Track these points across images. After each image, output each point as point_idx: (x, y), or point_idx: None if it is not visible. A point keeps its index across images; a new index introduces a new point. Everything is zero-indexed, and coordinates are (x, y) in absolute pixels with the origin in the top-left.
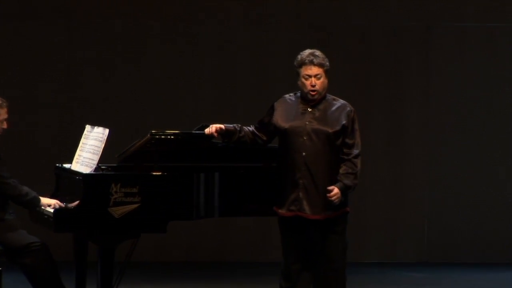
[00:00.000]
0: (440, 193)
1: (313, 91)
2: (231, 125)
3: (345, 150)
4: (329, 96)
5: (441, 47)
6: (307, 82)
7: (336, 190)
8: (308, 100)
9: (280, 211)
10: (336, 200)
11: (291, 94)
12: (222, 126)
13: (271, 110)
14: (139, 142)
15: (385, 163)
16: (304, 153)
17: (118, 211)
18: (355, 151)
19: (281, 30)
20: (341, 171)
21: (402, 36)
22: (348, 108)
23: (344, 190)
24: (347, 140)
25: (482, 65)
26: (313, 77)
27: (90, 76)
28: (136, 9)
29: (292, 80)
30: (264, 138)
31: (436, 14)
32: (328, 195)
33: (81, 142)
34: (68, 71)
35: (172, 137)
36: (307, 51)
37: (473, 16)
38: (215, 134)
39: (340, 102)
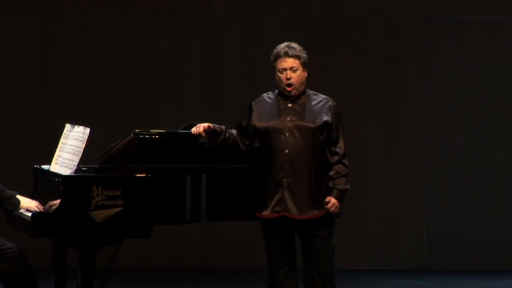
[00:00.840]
0: (439, 196)
1: (289, 85)
2: (218, 126)
3: (331, 148)
4: (310, 91)
5: (440, 41)
6: (282, 76)
7: (333, 200)
8: (286, 96)
9: (263, 213)
10: (335, 210)
11: (269, 92)
12: (210, 125)
13: (249, 111)
14: (121, 142)
15: (381, 165)
16: (287, 151)
17: (99, 215)
18: (342, 150)
19: (270, 25)
20: (332, 174)
21: (399, 30)
22: (330, 103)
23: (339, 197)
24: (332, 135)
25: (483, 61)
26: (289, 70)
27: (69, 72)
28: (116, 1)
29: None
30: (246, 142)
31: (435, 6)
32: (326, 207)
33: (60, 142)
34: (46, 67)
35: (156, 136)
36: (284, 44)
37: (474, 9)
38: (203, 134)
39: (321, 96)
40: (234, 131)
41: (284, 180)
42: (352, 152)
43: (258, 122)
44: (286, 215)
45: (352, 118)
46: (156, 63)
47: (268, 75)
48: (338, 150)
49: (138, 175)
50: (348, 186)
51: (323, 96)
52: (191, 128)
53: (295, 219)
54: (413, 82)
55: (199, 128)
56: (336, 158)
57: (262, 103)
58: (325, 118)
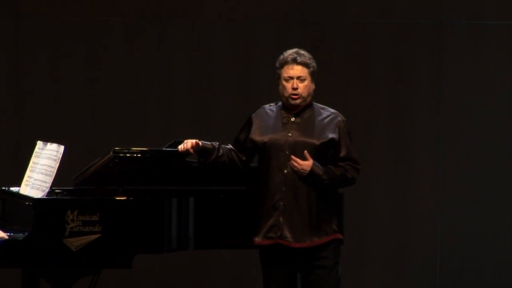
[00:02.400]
0: (454, 222)
1: (295, 94)
2: (209, 142)
3: (339, 163)
4: (316, 104)
5: (455, 48)
6: (288, 85)
7: (310, 161)
8: (290, 108)
9: (256, 239)
10: (300, 169)
11: (271, 104)
12: (199, 142)
13: (248, 123)
14: (99, 161)
15: (389, 181)
16: (285, 170)
17: (75, 243)
18: (353, 159)
19: (266, 29)
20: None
21: (410, 35)
22: (339, 118)
23: (317, 172)
24: (340, 155)
25: (501, 69)
26: (296, 79)
27: (40, 83)
28: (94, 3)
29: (277, 89)
30: (244, 158)
31: (450, 10)
32: (295, 158)
33: (31, 162)
34: (15, 77)
35: (138, 155)
36: (292, 50)
37: (491, 13)
38: (191, 151)
39: (329, 110)
40: (229, 147)
41: (281, 203)
42: None
43: (257, 136)
44: (281, 242)
45: (355, 134)
46: (139, 72)
47: (263, 84)
48: (347, 160)
49: (118, 198)
50: (327, 179)
51: (332, 110)
52: (178, 146)
53: (290, 247)
54: (424, 93)
55: (186, 144)
56: (349, 164)
57: (263, 115)
58: (331, 135)
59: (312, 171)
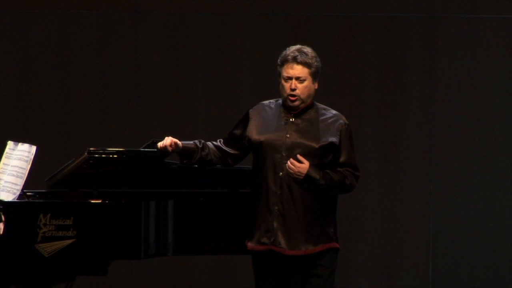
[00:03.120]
0: (447, 221)
1: (292, 96)
2: (191, 142)
3: (337, 168)
4: (319, 105)
5: (448, 43)
6: (287, 85)
7: (306, 164)
8: (289, 107)
9: (249, 244)
10: (296, 171)
11: (271, 100)
12: (179, 142)
13: (245, 119)
14: (73, 162)
15: (379, 184)
16: (281, 173)
17: (48, 249)
18: (352, 166)
19: (247, 22)
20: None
21: (400, 29)
22: (341, 121)
23: (315, 175)
24: (339, 160)
25: (497, 65)
26: (295, 79)
27: (11, 79)
28: None
29: (264, 86)
30: (235, 154)
31: (443, 3)
32: (291, 160)
33: (1, 163)
34: None
35: (114, 156)
36: (294, 47)
37: (487, 6)
38: (169, 149)
39: (331, 112)
40: (216, 144)
41: (276, 207)
42: None
43: (254, 134)
44: (274, 249)
45: None
46: (113, 68)
47: (244, 81)
48: (347, 166)
49: (93, 201)
50: (324, 184)
51: (334, 112)
52: (155, 146)
53: (284, 255)
54: (416, 91)
55: (165, 141)
56: (348, 170)
57: (261, 111)
58: (332, 138)
59: (308, 175)
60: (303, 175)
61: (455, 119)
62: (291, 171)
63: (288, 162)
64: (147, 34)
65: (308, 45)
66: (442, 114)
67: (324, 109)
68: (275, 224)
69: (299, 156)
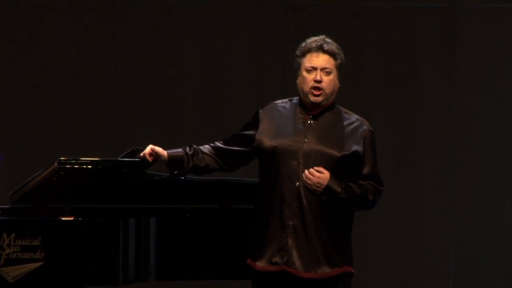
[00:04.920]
0: (467, 229)
1: (317, 89)
2: (179, 149)
3: (359, 181)
4: (339, 107)
5: (470, 34)
6: (310, 76)
7: (327, 174)
8: (309, 107)
9: (258, 264)
10: (316, 183)
11: (284, 100)
12: (160, 150)
13: (255, 120)
14: (41, 173)
15: (394, 191)
16: (297, 183)
17: (12, 273)
18: (375, 178)
19: (243, 12)
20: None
21: (416, 21)
22: (365, 127)
23: (336, 187)
24: (363, 171)
25: None
26: (320, 70)
27: None
28: None
29: (260, 83)
30: (237, 152)
31: None
32: (310, 170)
33: None
34: None
35: (88, 166)
36: (317, 37)
37: None
38: (148, 158)
39: (353, 116)
40: (214, 145)
41: (290, 222)
42: None
43: (266, 138)
44: (288, 270)
45: None
46: (89, 66)
47: (240, 78)
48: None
49: (63, 218)
50: (346, 198)
51: (356, 116)
52: (136, 155)
53: (298, 277)
54: (434, 90)
55: (146, 149)
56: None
57: (274, 112)
58: (355, 147)
59: (329, 187)
60: (322, 186)
61: (478, 122)
62: (309, 181)
63: (306, 172)
64: (126, 24)
65: (308, 37)
66: (464, 116)
67: (346, 112)
68: (289, 242)
69: (316, 168)
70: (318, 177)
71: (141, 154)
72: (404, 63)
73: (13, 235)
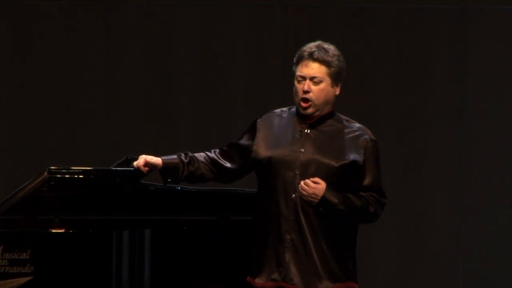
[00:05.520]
0: (478, 240)
1: (305, 100)
2: (173, 156)
3: (360, 193)
4: (340, 115)
5: (480, 37)
6: (299, 87)
7: (323, 185)
8: (304, 116)
9: (257, 281)
10: (311, 193)
11: (283, 108)
12: (155, 160)
13: (252, 129)
14: (31, 183)
15: (400, 201)
16: (294, 195)
17: None
18: (377, 190)
19: (242, 14)
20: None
21: (425, 23)
22: (367, 136)
23: (333, 198)
24: (363, 182)
25: None
26: (309, 80)
27: None
28: None
29: (260, 88)
30: (233, 167)
31: None
32: (306, 181)
33: None
34: None
35: (80, 176)
36: (314, 43)
37: None
38: (143, 170)
39: (355, 125)
40: (212, 155)
41: (288, 236)
42: None
43: (262, 149)
44: (286, 286)
45: None
46: (82, 69)
47: (239, 82)
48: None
49: (54, 230)
50: (344, 210)
51: (358, 125)
52: (130, 164)
53: None
54: (443, 95)
55: (138, 161)
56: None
57: (272, 121)
58: (354, 156)
59: (324, 198)
60: (318, 197)
61: (490, 128)
62: (305, 192)
63: (302, 183)
64: (119, 25)
65: (310, 41)
66: (475, 123)
67: (347, 120)
68: (287, 256)
69: (313, 178)
70: (314, 188)
71: (135, 167)
72: (412, 67)
73: (0, 248)
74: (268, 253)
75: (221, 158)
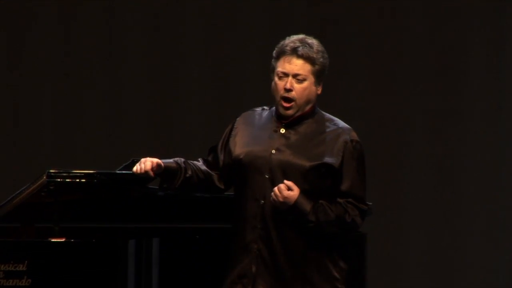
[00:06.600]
0: None
1: (287, 100)
2: (170, 160)
3: (338, 199)
4: (322, 113)
5: None
6: (280, 84)
7: (296, 191)
8: (282, 115)
9: None
10: (281, 199)
11: (264, 107)
12: (160, 162)
13: (230, 129)
14: (28, 188)
15: (432, 210)
16: (262, 201)
17: None
18: (356, 197)
19: (260, 8)
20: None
21: (460, 17)
22: (347, 137)
23: (304, 206)
24: (341, 187)
25: None
26: (292, 77)
27: None
28: None
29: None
30: (220, 178)
31: None
32: (279, 186)
33: None
34: None
35: (82, 180)
36: (297, 36)
37: None
38: (151, 174)
39: (337, 125)
40: (201, 163)
41: (255, 246)
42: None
43: (235, 148)
44: None
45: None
46: (82, 68)
47: (254, 81)
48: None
49: (53, 240)
50: (314, 221)
51: (341, 124)
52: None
53: None
54: (479, 95)
55: (144, 164)
56: (350, 203)
57: (249, 120)
58: (328, 158)
59: (296, 205)
60: (289, 204)
61: None
62: (275, 197)
63: (275, 189)
64: (123, 22)
65: (336, 36)
66: None
67: (329, 120)
68: (253, 268)
69: (287, 182)
70: (287, 195)
71: (142, 170)
72: (444, 64)
73: None
74: (234, 263)
75: (207, 168)
